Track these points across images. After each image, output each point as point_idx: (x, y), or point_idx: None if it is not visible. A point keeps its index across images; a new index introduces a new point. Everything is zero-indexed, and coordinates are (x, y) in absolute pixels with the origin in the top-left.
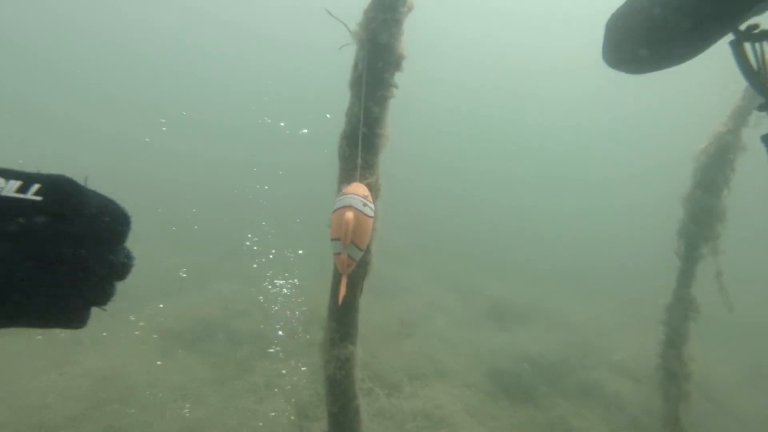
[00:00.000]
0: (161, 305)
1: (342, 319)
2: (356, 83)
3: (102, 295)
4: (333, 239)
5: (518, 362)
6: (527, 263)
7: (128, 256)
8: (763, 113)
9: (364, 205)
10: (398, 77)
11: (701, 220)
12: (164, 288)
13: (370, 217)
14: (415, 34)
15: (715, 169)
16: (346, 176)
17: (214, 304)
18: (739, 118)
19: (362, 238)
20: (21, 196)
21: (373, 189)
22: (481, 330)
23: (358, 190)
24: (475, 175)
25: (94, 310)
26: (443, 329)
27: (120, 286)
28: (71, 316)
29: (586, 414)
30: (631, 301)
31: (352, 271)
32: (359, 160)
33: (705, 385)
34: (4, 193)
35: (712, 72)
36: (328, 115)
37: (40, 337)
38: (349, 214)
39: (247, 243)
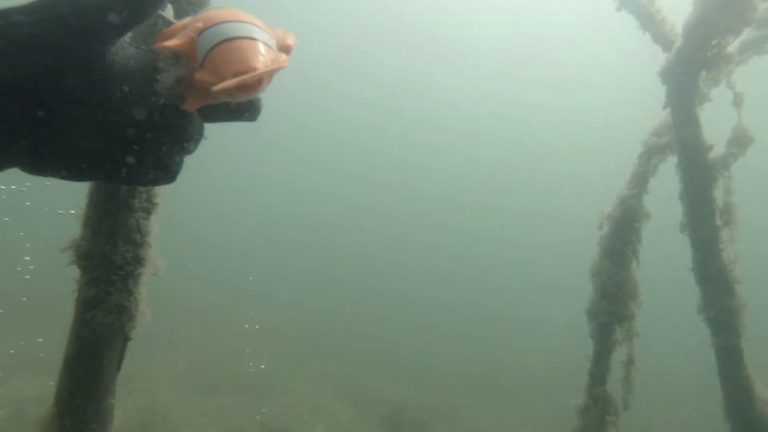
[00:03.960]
0: None
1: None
2: None
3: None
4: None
5: None
6: (432, 360)
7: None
8: None
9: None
10: None
11: (612, 295)
12: None
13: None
14: None
15: (621, 238)
16: None
17: None
18: (641, 183)
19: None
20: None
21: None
22: None
23: (243, 16)
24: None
25: None
26: None
27: None
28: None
29: None
30: (545, 405)
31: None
32: None
33: None
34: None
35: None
36: None
37: None
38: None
39: None
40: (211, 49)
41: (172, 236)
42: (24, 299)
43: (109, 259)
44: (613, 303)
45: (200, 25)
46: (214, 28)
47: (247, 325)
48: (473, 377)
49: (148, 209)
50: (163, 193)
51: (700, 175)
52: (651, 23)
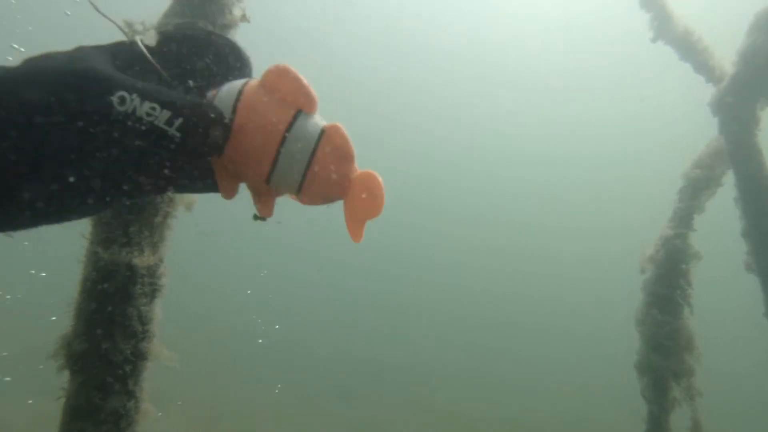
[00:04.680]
0: None
1: None
2: None
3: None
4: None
5: None
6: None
7: None
8: None
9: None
10: None
11: (664, 348)
12: None
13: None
14: None
15: (668, 282)
16: None
17: None
18: (685, 220)
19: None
20: (166, 128)
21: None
22: None
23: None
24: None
25: None
26: None
27: None
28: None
29: None
30: None
31: None
32: None
33: None
34: (155, 122)
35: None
36: None
37: None
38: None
39: None
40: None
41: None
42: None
43: (105, 359)
44: (666, 356)
45: (281, 127)
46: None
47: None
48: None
49: (152, 294)
50: (168, 273)
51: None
52: (692, 53)
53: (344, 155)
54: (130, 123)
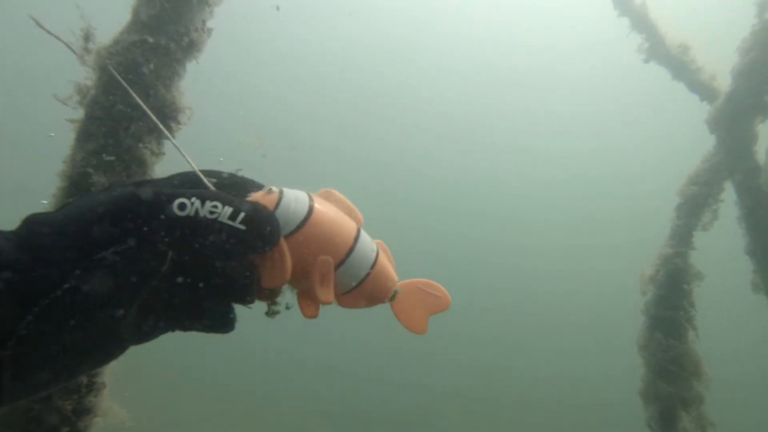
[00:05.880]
0: None
1: None
2: None
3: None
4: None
5: None
6: None
7: None
8: None
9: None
10: None
11: (671, 374)
12: None
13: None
14: None
15: (670, 304)
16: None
17: None
18: (684, 238)
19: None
20: (231, 223)
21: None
22: None
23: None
24: None
25: None
26: None
27: None
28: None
29: None
30: None
31: None
32: None
33: None
34: (220, 219)
35: None
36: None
37: None
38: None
39: None
40: (362, 281)
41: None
42: None
43: (36, 422)
44: (672, 383)
45: (339, 255)
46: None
47: None
48: None
49: None
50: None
51: None
52: (685, 73)
53: (391, 265)
54: (194, 225)
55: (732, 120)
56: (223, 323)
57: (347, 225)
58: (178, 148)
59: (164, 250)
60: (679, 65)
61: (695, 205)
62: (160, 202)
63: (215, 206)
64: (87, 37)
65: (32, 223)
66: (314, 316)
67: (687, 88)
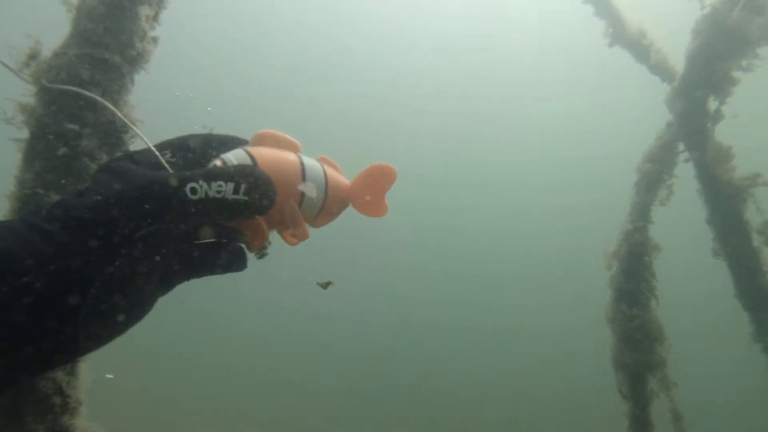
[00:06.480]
0: None
1: None
2: None
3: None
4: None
5: None
6: None
7: None
8: None
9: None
10: None
11: (636, 341)
12: None
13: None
14: None
15: (633, 276)
16: None
17: None
18: (643, 213)
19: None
20: (236, 197)
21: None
22: None
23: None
24: None
25: None
26: None
27: None
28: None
29: None
30: None
31: None
32: None
33: None
34: (226, 196)
35: None
36: None
37: None
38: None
39: None
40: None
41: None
42: None
43: None
44: (637, 350)
45: (296, 192)
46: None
47: None
48: None
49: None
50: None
51: (727, 199)
52: (646, 56)
53: (339, 173)
54: (206, 205)
55: (687, 98)
56: (237, 265)
57: (290, 160)
58: (137, 132)
59: (183, 227)
60: (640, 49)
61: (651, 181)
62: (175, 188)
63: (220, 186)
64: (33, 56)
65: (69, 208)
66: (298, 242)
67: (648, 71)
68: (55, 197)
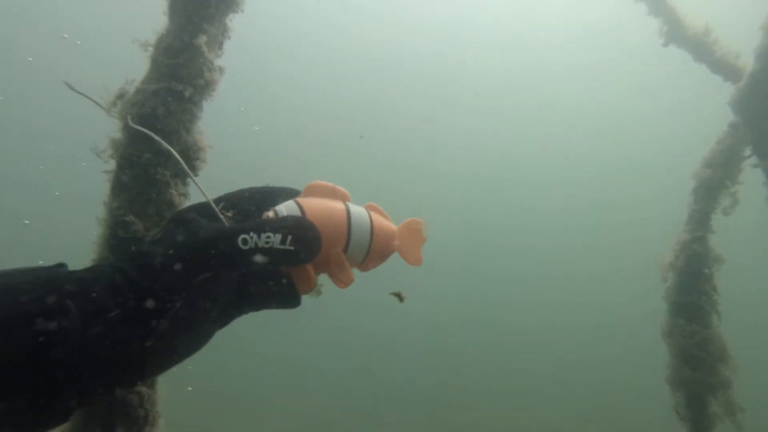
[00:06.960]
0: None
1: None
2: None
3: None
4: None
5: None
6: None
7: None
8: None
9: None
10: None
11: (696, 360)
12: None
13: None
14: None
15: (692, 289)
16: None
17: None
18: (702, 222)
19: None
20: (283, 247)
21: None
22: None
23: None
24: None
25: None
26: None
27: None
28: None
29: None
30: None
31: None
32: None
33: None
34: (274, 246)
35: None
36: None
37: None
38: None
39: None
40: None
41: None
42: None
43: None
44: (697, 369)
45: (342, 239)
46: (357, 229)
47: None
48: None
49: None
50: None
51: None
52: (707, 54)
53: (387, 219)
54: (255, 255)
55: (758, 100)
56: (291, 301)
57: (336, 210)
58: (200, 188)
59: (236, 274)
60: (700, 46)
61: (711, 188)
62: (231, 239)
63: (269, 237)
64: (121, 95)
65: (146, 255)
66: (345, 286)
67: (709, 70)
68: (138, 223)
